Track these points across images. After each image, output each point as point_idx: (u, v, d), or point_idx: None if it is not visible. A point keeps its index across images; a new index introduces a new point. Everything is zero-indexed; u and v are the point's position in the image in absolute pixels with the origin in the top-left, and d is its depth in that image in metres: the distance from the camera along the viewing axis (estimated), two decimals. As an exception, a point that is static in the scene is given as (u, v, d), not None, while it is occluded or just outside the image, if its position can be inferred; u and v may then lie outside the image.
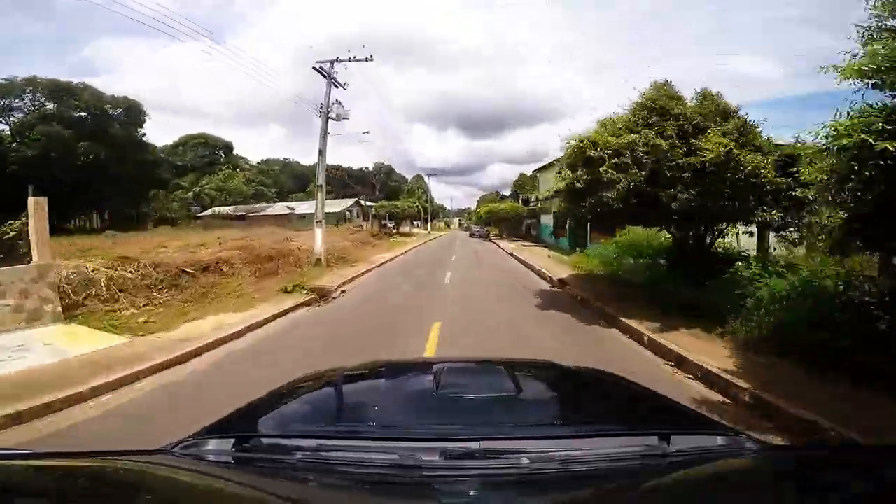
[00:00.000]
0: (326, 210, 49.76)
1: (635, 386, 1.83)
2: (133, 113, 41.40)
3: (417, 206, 69.64)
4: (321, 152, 15.97)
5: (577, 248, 21.85)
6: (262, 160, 78.45)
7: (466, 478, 1.02)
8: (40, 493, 0.91)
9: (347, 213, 40.89)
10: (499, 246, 27.05)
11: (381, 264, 16.74)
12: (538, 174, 33.24)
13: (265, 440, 1.19)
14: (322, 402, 1.66)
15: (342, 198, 53.03)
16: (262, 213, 41.33)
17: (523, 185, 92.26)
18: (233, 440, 1.19)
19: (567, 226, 24.73)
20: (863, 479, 1.05)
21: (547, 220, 29.59)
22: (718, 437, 1.27)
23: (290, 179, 76.34)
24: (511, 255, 20.93)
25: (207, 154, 61.40)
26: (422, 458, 1.03)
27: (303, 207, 43.91)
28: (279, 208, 42.89)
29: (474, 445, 1.08)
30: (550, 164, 29.14)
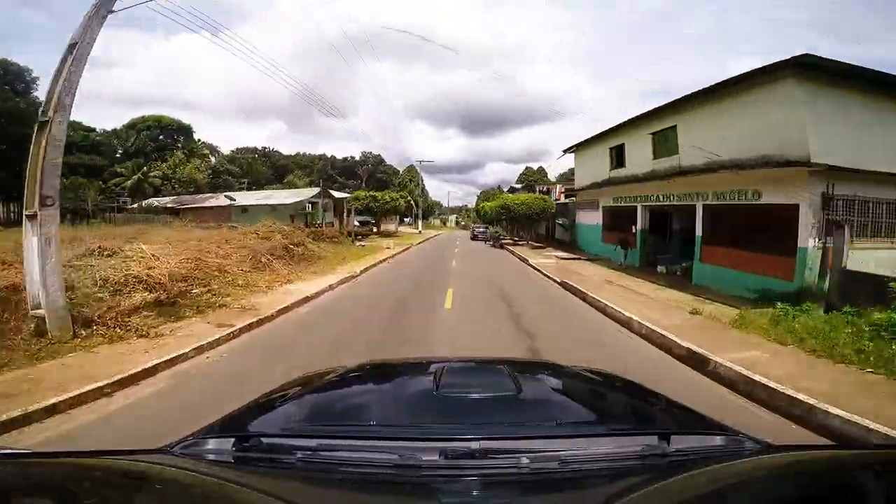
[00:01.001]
0: (280, 201, 38.54)
1: (635, 386, 1.78)
2: (11, 77, 34.26)
3: (408, 200, 58.60)
4: (73, 47, 5.97)
5: (660, 267, 13.70)
6: (238, 148, 72.47)
7: (466, 478, 1.02)
8: (40, 493, 0.89)
9: (310, 205, 32.52)
10: (527, 262, 17.31)
11: (229, 338, 6.92)
12: (573, 152, 23.33)
13: (265, 440, 1.17)
14: (322, 401, 1.63)
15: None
16: (200, 205, 34.14)
17: (529, 178, 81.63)
18: (233, 440, 1.17)
19: (637, 230, 15.65)
20: (863, 479, 1.04)
21: (589, 218, 20.60)
22: (718, 437, 1.25)
23: (270, 170, 70.30)
24: (566, 286, 11.29)
25: (162, 138, 53.71)
26: (422, 458, 1.03)
27: (254, 198, 36.04)
28: (222, 199, 35.47)
29: (474, 445, 1.08)
30: (593, 140, 19.73)
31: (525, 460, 1.05)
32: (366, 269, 13.03)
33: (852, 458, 1.27)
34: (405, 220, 76.39)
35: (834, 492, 0.99)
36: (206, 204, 32.85)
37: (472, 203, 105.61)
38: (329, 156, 79.82)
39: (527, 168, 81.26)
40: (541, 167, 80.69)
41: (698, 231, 11.60)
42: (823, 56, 8.46)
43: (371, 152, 79.23)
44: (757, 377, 4.10)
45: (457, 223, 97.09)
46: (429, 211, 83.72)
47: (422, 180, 59.17)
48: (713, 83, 10.80)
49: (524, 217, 25.17)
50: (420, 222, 46.86)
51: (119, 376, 4.24)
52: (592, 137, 18.85)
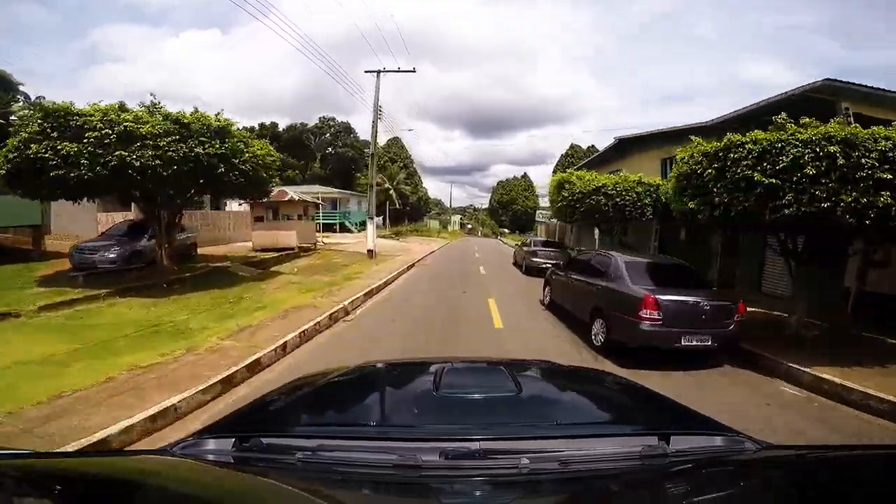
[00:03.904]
0: None
1: (635, 386, 1.94)
2: None
3: (385, 186, 35.18)
4: None
5: None
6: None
7: (466, 478, 1.08)
8: (40, 493, 0.95)
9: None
10: None
11: None
12: None
13: (265, 440, 1.24)
14: (322, 402, 1.72)
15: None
16: None
17: (573, 157, 53.68)
18: (233, 440, 1.25)
19: None
20: (863, 480, 1.08)
21: None
22: (718, 438, 1.35)
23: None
24: None
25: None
26: (422, 458, 1.09)
27: None
28: None
29: (474, 445, 1.15)
30: None
31: (525, 461, 1.10)
32: None
33: (852, 458, 1.34)
34: (373, 218, 41.53)
35: (834, 492, 1.04)
36: None
37: (482, 202, 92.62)
38: (268, 124, 48.06)
39: (572, 146, 57.93)
40: (592, 146, 55.49)
41: None
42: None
43: (334, 118, 48.05)
44: None
45: (461, 226, 79.41)
46: (420, 207, 51.80)
47: (373, 130, 29.90)
48: None
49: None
50: (372, 226, 13.90)
51: None
52: None
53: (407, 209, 52.98)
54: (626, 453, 1.16)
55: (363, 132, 57.27)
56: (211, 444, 1.24)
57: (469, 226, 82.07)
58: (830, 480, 1.09)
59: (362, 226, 44.81)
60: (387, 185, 47.91)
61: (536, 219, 26.91)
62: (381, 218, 40.65)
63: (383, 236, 34.40)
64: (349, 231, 37.45)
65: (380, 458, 1.09)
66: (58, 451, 1.66)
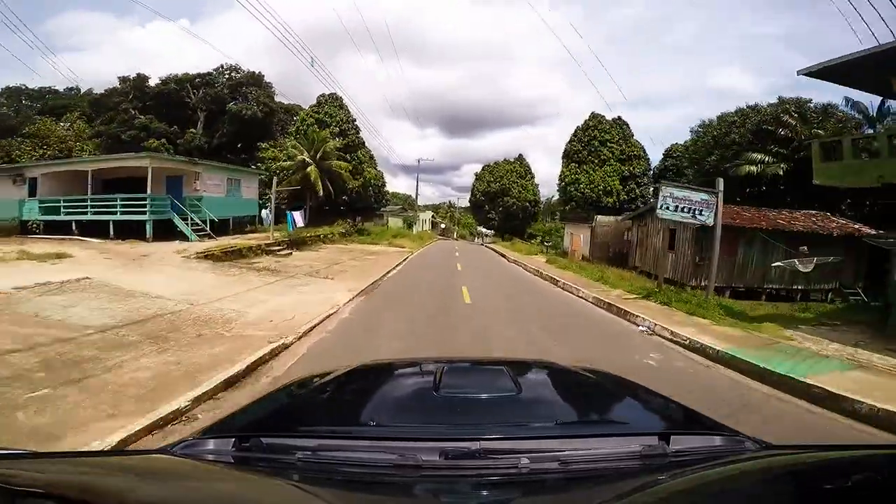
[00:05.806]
0: None
1: (635, 386, 2.00)
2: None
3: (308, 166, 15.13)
4: None
5: None
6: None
7: (466, 478, 1.14)
8: (40, 493, 0.95)
9: None
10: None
11: None
12: None
13: (265, 440, 1.29)
14: (322, 402, 1.81)
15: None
16: None
17: (602, 132, 39.24)
18: (233, 440, 1.31)
19: None
20: (863, 479, 1.12)
21: None
22: (718, 438, 1.42)
23: (43, 115, 39.61)
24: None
25: None
26: (422, 458, 1.13)
27: None
28: None
29: (474, 445, 1.19)
30: None
31: (525, 461, 1.13)
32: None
33: (852, 458, 1.38)
34: (263, 214, 16.79)
35: (834, 492, 1.07)
36: None
37: (461, 199, 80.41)
38: (133, 77, 39.49)
39: (594, 115, 38.54)
40: (619, 117, 40.62)
41: None
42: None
43: (238, 66, 40.89)
44: None
45: (433, 226, 63.12)
46: (370, 198, 27.57)
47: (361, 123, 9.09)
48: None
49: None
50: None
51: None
52: None
53: (344, 199, 34.83)
54: (626, 453, 1.22)
55: (292, 94, 39.32)
56: (211, 444, 1.30)
57: (443, 225, 66.39)
58: (830, 480, 1.16)
59: (238, 227, 24.99)
60: (303, 158, 29.77)
61: (658, 211, 10.51)
62: (265, 211, 22.39)
63: (222, 254, 14.55)
64: (184, 238, 17.33)
65: (380, 458, 1.14)
66: (58, 451, 1.81)
